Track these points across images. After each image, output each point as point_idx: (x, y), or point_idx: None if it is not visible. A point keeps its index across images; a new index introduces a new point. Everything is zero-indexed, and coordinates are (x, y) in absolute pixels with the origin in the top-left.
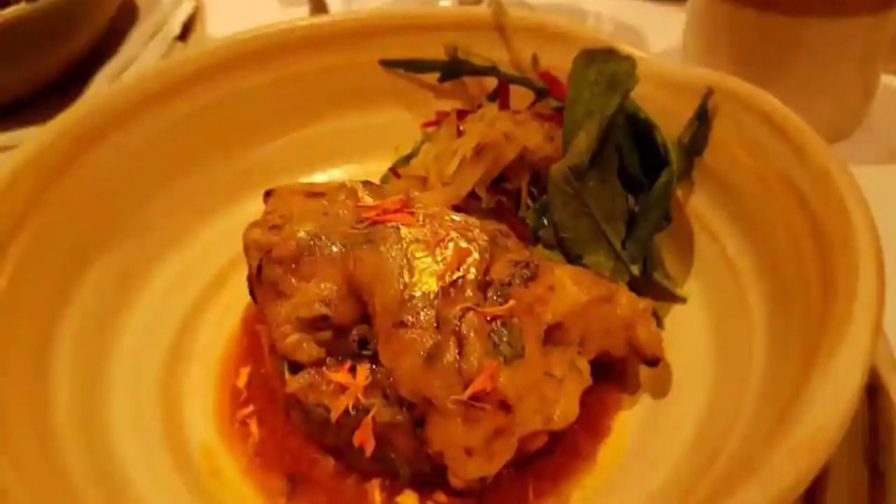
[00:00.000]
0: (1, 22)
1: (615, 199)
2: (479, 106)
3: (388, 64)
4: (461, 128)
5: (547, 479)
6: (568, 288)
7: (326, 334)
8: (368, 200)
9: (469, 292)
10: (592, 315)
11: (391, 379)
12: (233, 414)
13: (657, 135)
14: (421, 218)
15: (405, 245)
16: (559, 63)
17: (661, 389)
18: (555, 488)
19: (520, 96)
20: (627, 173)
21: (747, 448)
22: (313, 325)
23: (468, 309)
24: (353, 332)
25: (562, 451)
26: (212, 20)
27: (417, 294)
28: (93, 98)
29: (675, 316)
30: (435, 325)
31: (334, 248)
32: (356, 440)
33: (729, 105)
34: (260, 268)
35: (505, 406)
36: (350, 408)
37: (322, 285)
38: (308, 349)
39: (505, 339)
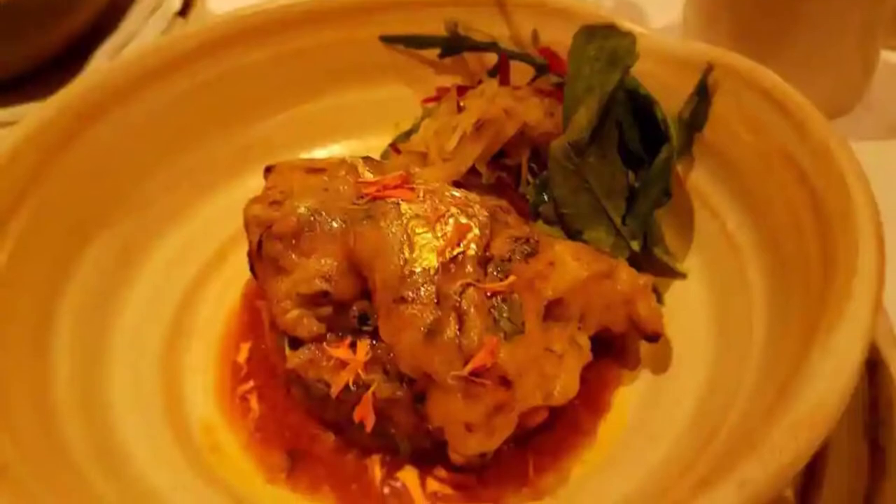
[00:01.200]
0: None
1: (615, 174)
2: (480, 82)
3: (389, 40)
4: (461, 104)
5: (547, 455)
6: (568, 264)
7: (327, 310)
8: (369, 176)
9: (469, 268)
10: (593, 291)
11: (391, 355)
12: (233, 389)
13: (657, 110)
14: (421, 194)
15: (405, 221)
16: (559, 39)
17: (661, 365)
18: (555, 464)
19: (520, 72)
20: (628, 149)
21: (747, 423)
22: (314, 300)
23: (468, 285)
24: (353, 307)
25: (562, 427)
26: None
27: (418, 270)
28: (93, 74)
29: (676, 292)
30: (435, 300)
31: (335, 224)
32: (356, 416)
33: (729, 81)
34: (260, 243)
35: (505, 382)
36: (350, 383)
37: (322, 261)
38: (308, 325)
39: (505, 314)
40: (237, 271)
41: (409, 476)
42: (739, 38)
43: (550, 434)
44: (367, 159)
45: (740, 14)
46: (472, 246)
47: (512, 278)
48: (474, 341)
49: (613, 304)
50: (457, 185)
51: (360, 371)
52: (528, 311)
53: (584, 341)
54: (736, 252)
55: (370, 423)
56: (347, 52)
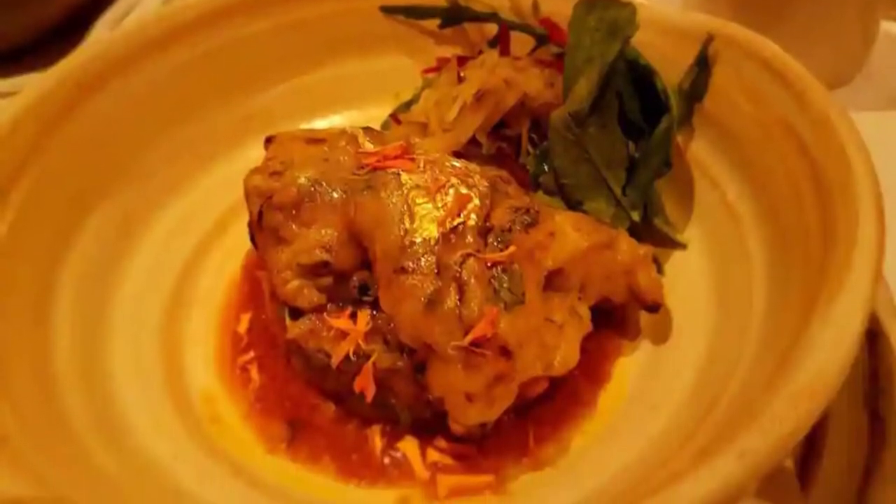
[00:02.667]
0: None
1: (615, 145)
2: (480, 52)
3: (389, 10)
4: (462, 74)
5: (547, 425)
6: (568, 234)
7: (327, 280)
8: (369, 147)
9: (469, 238)
10: (593, 261)
11: (392, 325)
12: (233, 360)
13: (657, 81)
14: (421, 164)
15: (406, 191)
16: (560, 9)
17: (661, 335)
18: (555, 434)
19: (520, 43)
20: (628, 119)
21: (747, 394)
22: (314, 271)
23: (469, 255)
24: (353, 278)
25: (562, 397)
26: None
27: (418, 240)
28: (94, 44)
29: (676, 262)
30: (435, 271)
31: (335, 195)
32: (357, 386)
33: (729, 51)
34: (261, 214)
35: (505, 352)
36: (351, 354)
37: (323, 231)
38: (309, 295)
39: (505, 285)
40: (238, 242)
41: (409, 446)
42: (739, 9)
43: (550, 404)
44: (367, 130)
45: None
46: (473, 216)
47: (512, 248)
48: (474, 311)
49: (614, 274)
50: (457, 155)
51: (360, 341)
52: (529, 281)
53: (585, 311)
54: (736, 222)
55: (370, 393)
56: (348, 22)
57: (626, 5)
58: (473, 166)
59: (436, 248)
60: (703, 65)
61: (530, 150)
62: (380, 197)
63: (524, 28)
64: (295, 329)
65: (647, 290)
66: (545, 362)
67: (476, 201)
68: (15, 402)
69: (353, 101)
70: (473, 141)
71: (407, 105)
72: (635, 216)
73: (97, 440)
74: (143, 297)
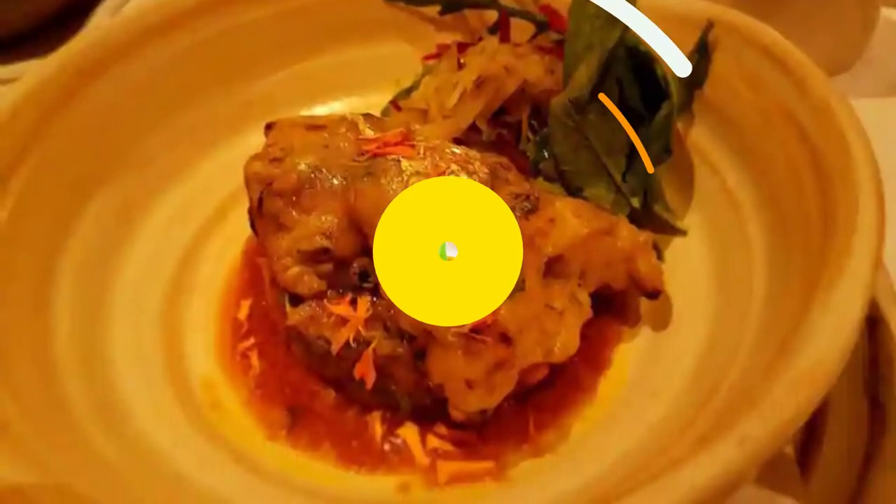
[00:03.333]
0: None
1: (616, 131)
2: (480, 39)
3: None
4: (462, 61)
5: (548, 412)
6: (568, 220)
7: (327, 267)
8: (369, 133)
9: None
10: (593, 247)
11: (392, 311)
12: (234, 346)
13: (657, 68)
14: (422, 150)
15: (406, 178)
16: None
17: (661, 322)
18: (555, 420)
19: (520, 29)
20: (628, 106)
21: (748, 380)
22: (314, 257)
23: None
24: (353, 264)
25: (562, 384)
26: None
27: None
28: (94, 31)
29: (676, 249)
30: None
31: (335, 181)
32: (357, 372)
33: (729, 38)
34: (261, 200)
35: (505, 338)
36: (351, 340)
37: (323, 218)
38: (309, 282)
39: None
40: (238, 228)
41: (409, 433)
42: None
43: (551, 391)
44: (367, 116)
45: None
46: None
47: None
48: None
49: (614, 260)
50: (457, 141)
51: (360, 328)
52: (529, 267)
53: (585, 298)
54: (736, 209)
55: (370, 379)
56: (348, 8)
57: None
58: (473, 153)
59: None
60: (704, 52)
61: (530, 136)
62: (380, 183)
63: (524, 15)
64: (295, 315)
65: (647, 277)
66: (545, 349)
67: None
68: (15, 389)
69: (354, 87)
70: (473, 127)
71: (407, 92)
72: (635, 203)
73: (97, 427)
74: (144, 283)
